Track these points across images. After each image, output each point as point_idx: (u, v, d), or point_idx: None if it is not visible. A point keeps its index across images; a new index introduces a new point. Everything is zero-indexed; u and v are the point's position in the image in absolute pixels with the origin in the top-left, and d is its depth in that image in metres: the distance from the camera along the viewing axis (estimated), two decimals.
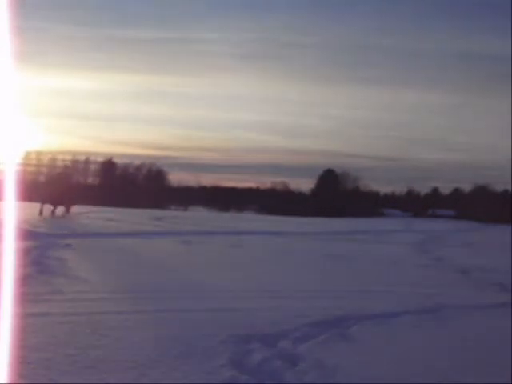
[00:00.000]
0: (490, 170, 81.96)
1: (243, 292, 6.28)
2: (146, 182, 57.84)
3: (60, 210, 16.91)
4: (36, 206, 16.29)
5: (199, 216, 28.12)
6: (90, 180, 59.31)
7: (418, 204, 59.52)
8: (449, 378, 3.71)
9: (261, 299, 5.88)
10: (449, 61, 73.63)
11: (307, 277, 7.98)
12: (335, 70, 76.43)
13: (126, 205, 34.07)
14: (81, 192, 28.40)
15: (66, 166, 20.78)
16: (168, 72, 72.13)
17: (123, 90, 74.56)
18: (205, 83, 72.18)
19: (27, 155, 48.44)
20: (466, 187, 60.83)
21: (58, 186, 16.99)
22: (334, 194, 55.40)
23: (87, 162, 59.02)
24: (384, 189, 69.13)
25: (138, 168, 60.29)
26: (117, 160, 59.21)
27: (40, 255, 8.13)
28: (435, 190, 64.82)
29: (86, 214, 19.03)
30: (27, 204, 16.37)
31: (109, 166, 58.56)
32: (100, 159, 59.54)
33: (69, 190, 17.76)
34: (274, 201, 54.34)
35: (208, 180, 77.90)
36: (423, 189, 67.64)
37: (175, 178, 61.44)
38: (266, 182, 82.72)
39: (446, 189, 67.85)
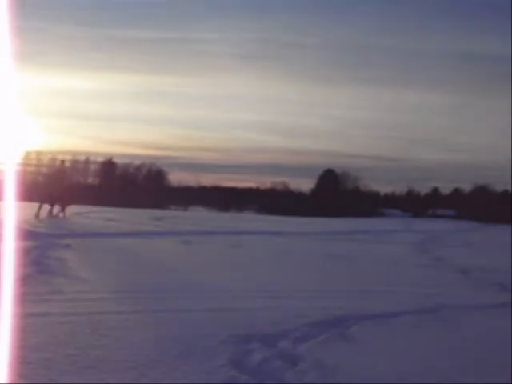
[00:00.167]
0: (490, 170, 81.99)
1: (243, 292, 6.28)
2: (146, 182, 57.83)
3: (56, 209, 16.73)
4: (35, 206, 16.23)
5: (199, 216, 28.12)
6: (90, 180, 59.33)
7: (418, 204, 59.53)
8: (449, 378, 3.71)
9: (261, 299, 5.88)
10: (450, 61, 73.57)
11: (307, 277, 7.98)
12: (336, 70, 76.44)
13: (126, 205, 34.08)
14: (77, 191, 28.19)
15: (60, 165, 20.19)
16: (168, 72, 72.13)
17: (123, 90, 74.57)
18: (205, 83, 72.20)
19: (27, 155, 48.42)
20: (466, 187, 60.89)
21: (52, 186, 16.74)
22: (334, 194, 55.40)
23: (87, 161, 59.05)
24: (384, 189, 69.20)
25: (138, 168, 60.31)
26: (117, 160, 59.25)
27: (40, 255, 8.13)
28: (435, 190, 64.84)
29: (86, 214, 19.04)
30: (27, 204, 16.33)
31: (109, 166, 58.56)
32: (100, 159, 59.58)
33: (64, 189, 17.44)
34: (274, 201, 54.32)
35: (208, 180, 77.97)
36: (423, 189, 67.77)
37: (175, 177, 61.49)
38: (266, 181, 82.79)
39: (446, 189, 67.94)
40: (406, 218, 44.11)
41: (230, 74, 67.88)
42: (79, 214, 18.55)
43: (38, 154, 52.79)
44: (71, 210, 17.66)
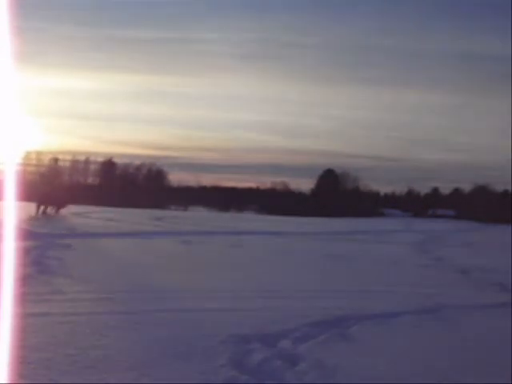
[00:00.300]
0: (490, 170, 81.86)
1: (243, 292, 6.28)
2: (146, 182, 57.82)
3: (49, 209, 16.42)
4: (33, 206, 16.13)
5: (199, 216, 28.12)
6: (90, 180, 59.35)
7: (418, 204, 59.49)
8: (449, 378, 3.71)
9: (261, 299, 5.88)
10: (450, 61, 73.50)
11: (307, 277, 7.98)
12: (336, 70, 76.35)
13: (126, 205, 34.06)
14: (72, 191, 28.00)
15: (54, 164, 19.72)
16: (168, 72, 72.06)
17: (123, 89, 74.47)
18: (205, 83, 72.08)
19: (27, 155, 48.37)
20: (466, 187, 60.84)
21: (46, 186, 16.49)
22: (334, 194, 55.39)
23: (87, 161, 59.04)
24: (384, 189, 69.10)
25: (138, 168, 60.29)
26: (117, 160, 59.21)
27: (40, 255, 8.13)
28: (435, 190, 64.80)
29: (86, 214, 19.03)
30: (26, 204, 16.30)
31: (109, 166, 58.56)
32: (100, 159, 59.55)
33: (57, 188, 17.15)
34: (274, 201, 54.31)
35: (208, 180, 77.82)
36: (423, 189, 67.62)
37: (175, 177, 61.43)
38: (266, 181, 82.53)
39: (446, 189, 67.81)
40: (406, 217, 44.07)
41: (230, 74, 67.79)
42: (79, 214, 18.54)
43: (38, 153, 52.70)
44: (70, 210, 17.64)
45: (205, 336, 4.23)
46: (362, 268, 9.24)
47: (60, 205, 16.86)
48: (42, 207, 16.19)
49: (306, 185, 72.06)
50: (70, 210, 17.56)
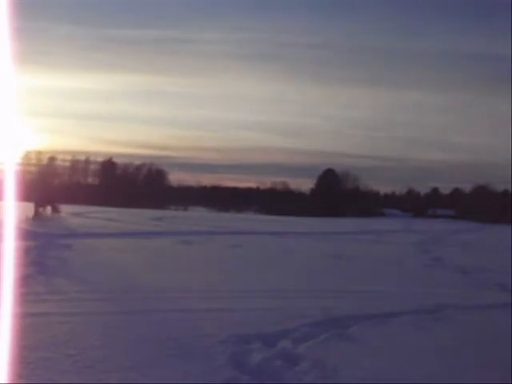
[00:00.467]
0: (490, 170, 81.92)
1: (243, 292, 6.28)
2: (146, 182, 57.84)
3: (43, 209, 16.25)
4: (31, 206, 16.01)
5: (199, 216, 28.13)
6: (90, 180, 59.38)
7: (418, 204, 59.51)
8: (449, 377, 3.71)
9: (261, 299, 5.88)
10: (450, 61, 73.68)
11: (307, 277, 7.98)
12: (336, 70, 76.47)
13: (126, 205, 34.08)
14: (68, 190, 27.87)
15: (48, 164, 19.48)
16: (168, 72, 72.17)
17: (123, 90, 74.58)
18: (205, 83, 72.21)
19: (27, 155, 48.40)
20: (466, 187, 60.89)
21: (40, 186, 16.28)
22: (334, 194, 55.39)
23: (87, 161, 59.07)
24: (384, 189, 69.18)
25: (138, 168, 60.32)
26: (117, 160, 59.27)
27: (40, 255, 8.13)
28: (435, 190, 64.83)
29: (86, 214, 19.03)
30: (26, 204, 16.29)
31: (109, 166, 58.57)
32: (100, 159, 59.60)
33: (51, 188, 16.92)
34: (274, 201, 54.32)
35: (208, 180, 77.88)
36: (423, 189, 67.72)
37: (175, 178, 61.53)
38: (266, 182, 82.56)
39: (446, 189, 67.85)
40: (406, 217, 44.11)
41: (230, 74, 67.94)
42: (79, 214, 18.55)
43: (38, 153, 52.79)
44: (70, 210, 17.63)
45: (205, 336, 4.23)
46: (362, 268, 9.24)
47: (55, 205, 16.65)
48: (39, 207, 16.06)
49: (305, 185, 72.03)
50: (69, 210, 17.54)
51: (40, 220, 15.22)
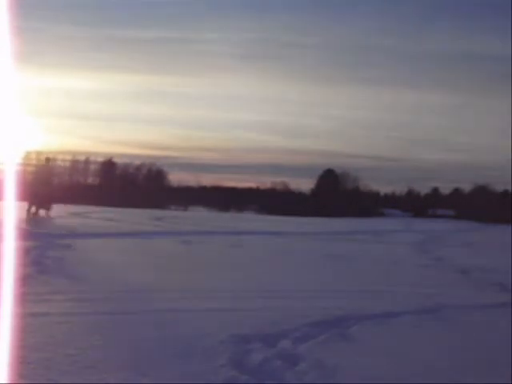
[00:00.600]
0: (490, 169, 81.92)
1: (243, 292, 6.28)
2: (145, 182, 57.82)
3: (34, 209, 15.99)
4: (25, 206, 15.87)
5: (199, 216, 28.13)
6: (90, 180, 59.36)
7: (418, 204, 59.50)
8: (449, 377, 3.71)
9: (261, 299, 5.88)
10: (450, 61, 73.55)
11: (307, 277, 7.98)
12: (336, 70, 76.39)
13: (126, 205, 34.06)
14: (63, 190, 27.74)
15: (46, 163, 19.15)
16: (168, 72, 72.10)
17: (123, 90, 74.53)
18: (205, 83, 72.11)
19: (27, 155, 48.38)
20: (466, 187, 60.86)
21: (36, 185, 16.16)
22: (334, 194, 55.38)
23: (87, 161, 59.05)
24: (384, 189, 69.12)
25: (138, 168, 60.28)
26: (117, 160, 59.23)
27: (40, 255, 8.13)
28: (435, 190, 64.80)
29: (86, 214, 19.03)
30: (26, 204, 16.26)
31: (109, 166, 58.55)
32: (100, 159, 59.56)
33: (46, 188, 16.79)
34: (274, 201, 54.31)
35: (208, 180, 77.87)
36: (423, 189, 67.66)
37: (175, 177, 61.45)
38: (266, 181, 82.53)
39: (446, 189, 67.84)
40: (406, 217, 44.10)
41: (230, 73, 67.80)
42: (79, 214, 18.55)
43: (38, 153, 52.73)
44: (70, 210, 17.61)
45: (205, 336, 4.23)
46: (362, 268, 9.24)
47: (48, 205, 16.48)
48: (32, 208, 15.92)
49: (305, 185, 72.09)
50: (69, 210, 17.52)
51: (32, 221, 14.95)
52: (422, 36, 72.75)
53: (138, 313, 4.99)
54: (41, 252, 8.48)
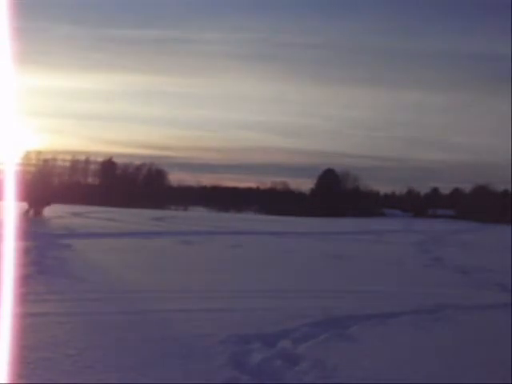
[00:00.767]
0: (490, 170, 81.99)
1: (243, 292, 6.27)
2: (146, 182, 57.86)
3: (32, 210, 15.99)
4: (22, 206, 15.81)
5: (199, 216, 28.13)
6: (90, 180, 59.41)
7: (418, 204, 59.56)
8: (449, 377, 3.71)
9: (261, 299, 5.88)
10: (450, 61, 73.72)
11: (307, 277, 7.98)
12: (336, 70, 76.53)
13: (126, 205, 34.08)
14: (65, 190, 27.71)
15: (43, 164, 19.08)
16: (168, 72, 72.23)
17: (123, 90, 74.65)
18: (205, 83, 72.27)
19: (27, 155, 48.42)
20: (466, 187, 60.92)
21: (34, 186, 16.09)
22: (334, 194, 55.41)
23: (87, 161, 59.10)
24: (384, 189, 69.24)
25: (138, 168, 60.35)
26: (117, 160, 59.29)
27: (40, 255, 8.13)
28: (435, 190, 64.88)
29: (86, 214, 19.03)
30: (25, 204, 16.25)
31: (109, 166, 58.59)
32: (100, 159, 59.63)
33: (43, 189, 16.72)
34: (274, 201, 54.34)
35: (208, 180, 77.97)
36: (423, 189, 67.76)
37: (175, 178, 61.61)
38: (266, 181, 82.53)
39: (446, 189, 67.91)
40: (406, 217, 44.13)
41: (230, 74, 67.95)
42: (79, 214, 18.55)
43: (38, 153, 52.81)
44: (70, 210, 17.60)
45: (205, 336, 4.23)
46: (362, 268, 9.24)
47: (42, 205, 16.40)
48: (28, 208, 15.87)
49: (305, 185, 72.12)
50: (69, 210, 17.50)
51: (31, 221, 14.89)
52: (422, 36, 72.80)
53: (138, 313, 4.99)
54: (40, 252, 8.48)
